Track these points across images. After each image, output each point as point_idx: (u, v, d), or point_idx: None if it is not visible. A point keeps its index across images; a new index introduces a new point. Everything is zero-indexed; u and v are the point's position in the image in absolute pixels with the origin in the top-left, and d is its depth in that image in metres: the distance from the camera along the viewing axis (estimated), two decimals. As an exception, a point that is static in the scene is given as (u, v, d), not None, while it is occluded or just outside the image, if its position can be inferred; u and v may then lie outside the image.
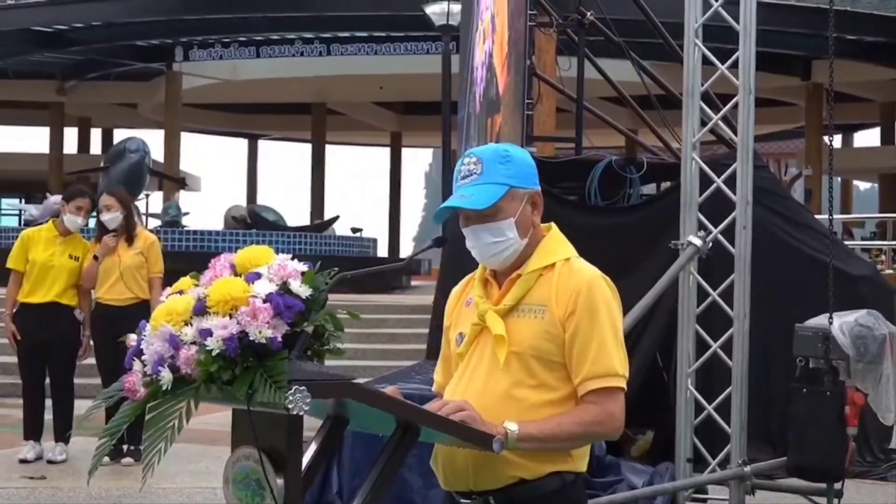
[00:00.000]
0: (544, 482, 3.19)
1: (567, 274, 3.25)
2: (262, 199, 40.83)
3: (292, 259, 2.97)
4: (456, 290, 3.50)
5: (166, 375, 2.82)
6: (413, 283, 27.44)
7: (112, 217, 9.37)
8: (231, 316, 2.80)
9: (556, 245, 3.33)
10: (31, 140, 41.45)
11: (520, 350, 3.21)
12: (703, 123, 7.71)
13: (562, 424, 3.15)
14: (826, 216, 7.61)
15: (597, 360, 3.17)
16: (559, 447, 3.20)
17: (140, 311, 8.53)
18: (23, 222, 35.49)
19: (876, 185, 39.63)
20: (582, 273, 3.25)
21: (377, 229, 37.06)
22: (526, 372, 3.20)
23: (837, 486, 6.77)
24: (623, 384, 3.20)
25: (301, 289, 2.88)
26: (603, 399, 3.17)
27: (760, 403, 7.77)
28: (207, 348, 2.77)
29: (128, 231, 9.44)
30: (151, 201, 30.15)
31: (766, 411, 8.14)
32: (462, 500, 3.26)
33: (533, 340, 3.21)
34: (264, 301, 2.82)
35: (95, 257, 9.30)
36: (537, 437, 3.12)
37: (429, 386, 3.63)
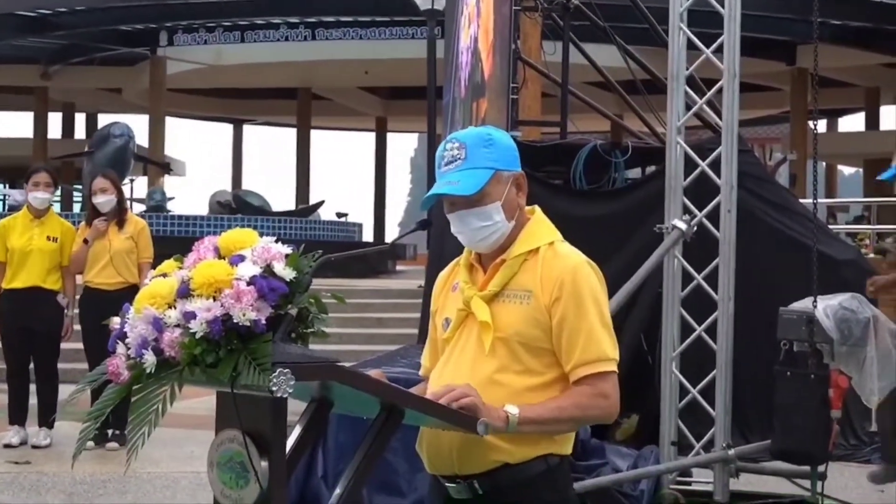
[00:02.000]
0: (529, 466, 3.18)
1: (551, 259, 3.24)
2: (246, 185, 40.74)
3: (276, 243, 2.96)
4: (443, 274, 3.50)
5: (150, 358, 2.81)
6: (398, 267, 27.40)
7: (107, 200, 9.36)
8: (215, 298, 2.79)
9: (539, 229, 3.32)
10: (14, 125, 41.33)
11: (505, 336, 3.21)
12: (688, 108, 7.71)
13: (561, 408, 3.16)
14: (810, 200, 7.63)
15: (587, 347, 3.17)
16: (557, 430, 3.20)
17: (129, 296, 8.47)
18: (7, 207, 35.38)
19: (860, 169, 39.66)
20: (567, 258, 3.24)
21: (362, 214, 37.03)
22: (511, 357, 3.20)
23: (821, 468, 6.80)
24: (615, 367, 3.21)
25: (285, 271, 2.87)
26: (597, 382, 3.18)
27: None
28: (191, 331, 2.76)
29: (119, 215, 9.44)
30: (136, 186, 30.03)
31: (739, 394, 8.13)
32: (447, 485, 3.26)
33: (518, 326, 3.20)
34: (248, 283, 2.81)
35: (86, 241, 9.29)
36: (537, 420, 3.12)
37: (413, 370, 3.63)
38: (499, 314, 3.23)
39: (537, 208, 3.39)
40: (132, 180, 28.26)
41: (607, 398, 3.19)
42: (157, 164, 29.17)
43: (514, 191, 3.29)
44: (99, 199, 9.40)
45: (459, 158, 3.25)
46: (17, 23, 27.88)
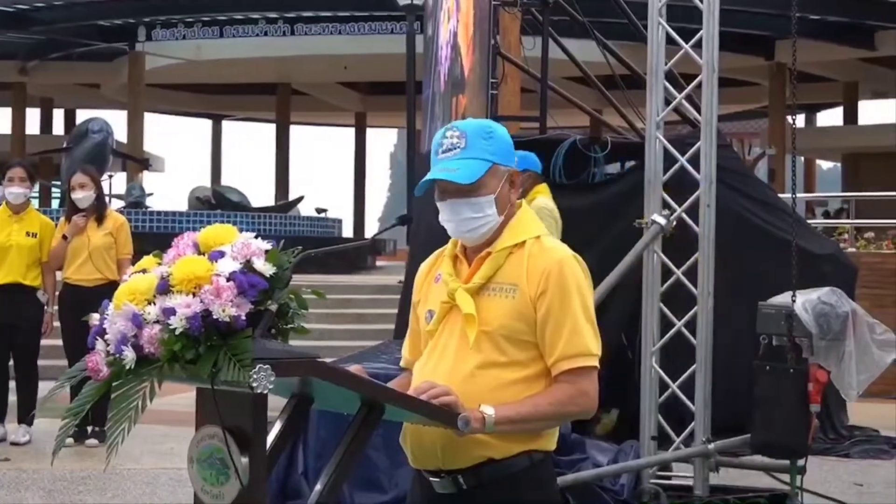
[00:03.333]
0: (513, 461, 3.18)
1: (538, 253, 3.23)
2: (226, 180, 40.75)
3: (256, 238, 2.96)
4: (425, 264, 3.48)
5: (129, 355, 2.80)
6: (378, 263, 27.41)
7: (86, 196, 9.33)
8: (194, 294, 2.78)
9: (526, 223, 3.31)
10: (-8, 121, 41.10)
11: (490, 329, 3.19)
12: (667, 103, 7.72)
13: (538, 405, 3.15)
14: (789, 195, 7.65)
15: (570, 341, 3.16)
16: (535, 428, 3.20)
17: (108, 293, 8.45)
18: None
19: (839, 164, 39.78)
20: (553, 252, 3.24)
21: (342, 210, 37.00)
22: (496, 351, 3.19)
23: (801, 462, 6.82)
24: (596, 363, 3.20)
25: (265, 267, 2.86)
26: (577, 378, 3.17)
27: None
28: (171, 327, 2.75)
29: (98, 211, 9.41)
30: (115, 182, 29.95)
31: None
32: (431, 479, 3.25)
33: (504, 320, 3.19)
34: (228, 279, 2.80)
35: (65, 237, 9.26)
36: (514, 419, 3.11)
37: (394, 365, 3.62)
38: (484, 307, 3.22)
39: (524, 203, 3.39)
40: (111, 176, 28.19)
41: (586, 395, 3.19)
42: (135, 160, 29.07)
43: (507, 186, 3.29)
44: (78, 195, 9.36)
45: (459, 147, 3.24)
46: (-6, 18, 27.79)
